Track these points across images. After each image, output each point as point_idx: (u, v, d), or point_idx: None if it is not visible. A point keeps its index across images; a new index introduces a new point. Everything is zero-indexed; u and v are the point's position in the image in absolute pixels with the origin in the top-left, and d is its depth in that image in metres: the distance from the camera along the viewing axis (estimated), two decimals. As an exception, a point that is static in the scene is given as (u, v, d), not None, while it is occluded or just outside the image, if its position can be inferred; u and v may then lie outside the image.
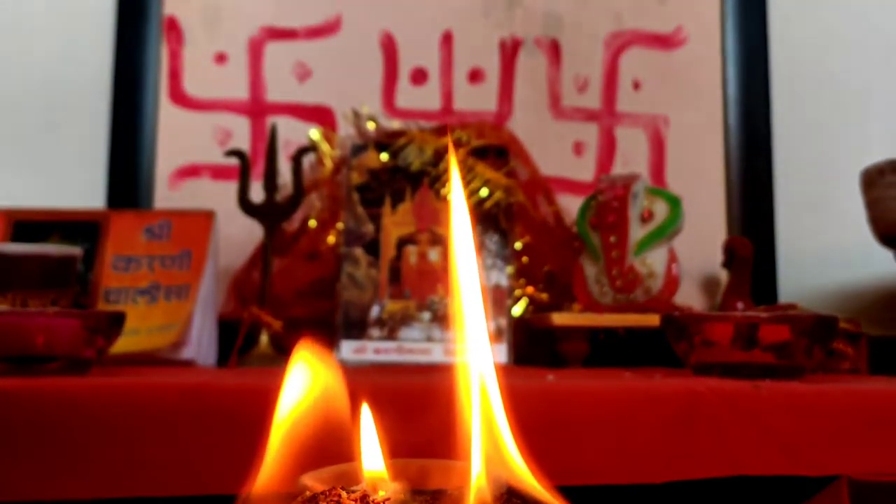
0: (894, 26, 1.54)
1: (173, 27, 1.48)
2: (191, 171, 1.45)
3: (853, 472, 0.79)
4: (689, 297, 1.41)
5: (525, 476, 0.40)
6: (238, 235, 1.35)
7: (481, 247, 1.30)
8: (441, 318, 1.28)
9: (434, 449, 0.45)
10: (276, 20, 1.49)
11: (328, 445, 0.42)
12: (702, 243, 1.41)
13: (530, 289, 1.35)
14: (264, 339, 1.23)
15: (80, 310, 1.12)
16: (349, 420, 0.42)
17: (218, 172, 1.44)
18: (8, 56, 1.47)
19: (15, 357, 0.89)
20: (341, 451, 0.42)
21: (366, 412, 0.42)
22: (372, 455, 0.41)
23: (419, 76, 1.49)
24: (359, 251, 1.30)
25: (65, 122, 1.46)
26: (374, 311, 1.28)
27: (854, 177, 1.26)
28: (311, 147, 1.37)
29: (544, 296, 1.36)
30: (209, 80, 1.48)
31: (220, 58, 1.48)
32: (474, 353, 0.41)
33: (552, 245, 1.39)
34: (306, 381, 0.44)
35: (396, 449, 0.43)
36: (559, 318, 1.23)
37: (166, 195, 1.43)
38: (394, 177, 1.33)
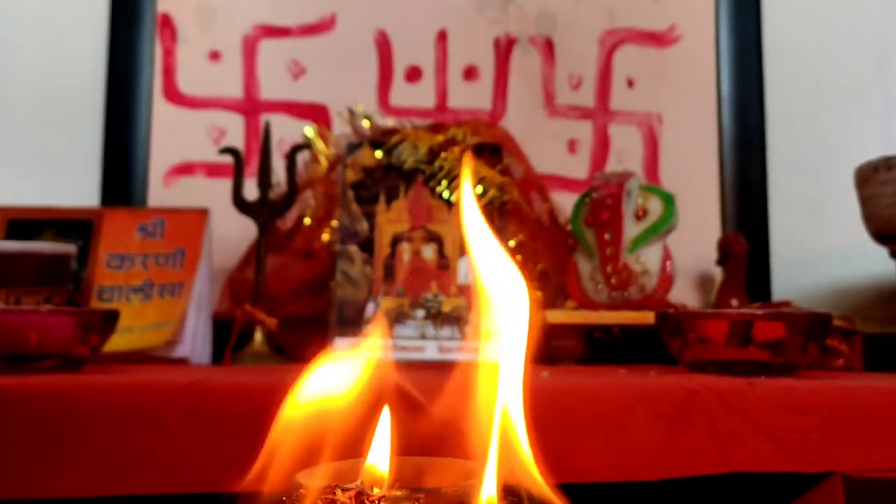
0: (888, 24, 1.54)
1: (167, 25, 1.47)
2: (185, 169, 1.45)
3: (847, 469, 0.79)
4: (684, 295, 1.41)
5: (535, 475, 0.40)
6: (232, 233, 1.35)
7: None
8: (435, 316, 1.27)
9: (436, 447, 0.45)
10: (270, 18, 1.49)
11: (335, 441, 0.42)
12: (696, 241, 1.41)
13: (525, 286, 1.35)
14: (258, 337, 1.23)
15: (73, 307, 1.12)
16: (369, 417, 0.42)
17: (212, 170, 1.44)
18: (1, 54, 1.46)
19: (8, 355, 0.89)
20: (344, 448, 0.42)
21: (385, 412, 0.42)
22: (379, 452, 0.41)
23: (414, 74, 1.49)
24: (353, 249, 1.30)
25: (59, 120, 1.45)
26: (369, 309, 1.28)
27: (848, 174, 1.26)
28: (306, 145, 1.37)
29: (538, 293, 1.36)
30: (203, 78, 1.47)
31: (214, 55, 1.48)
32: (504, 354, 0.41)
33: (546, 243, 1.39)
34: (354, 377, 0.43)
35: (399, 446, 0.43)
36: (553, 316, 1.23)
37: (160, 193, 1.43)
38: (388, 174, 1.33)
